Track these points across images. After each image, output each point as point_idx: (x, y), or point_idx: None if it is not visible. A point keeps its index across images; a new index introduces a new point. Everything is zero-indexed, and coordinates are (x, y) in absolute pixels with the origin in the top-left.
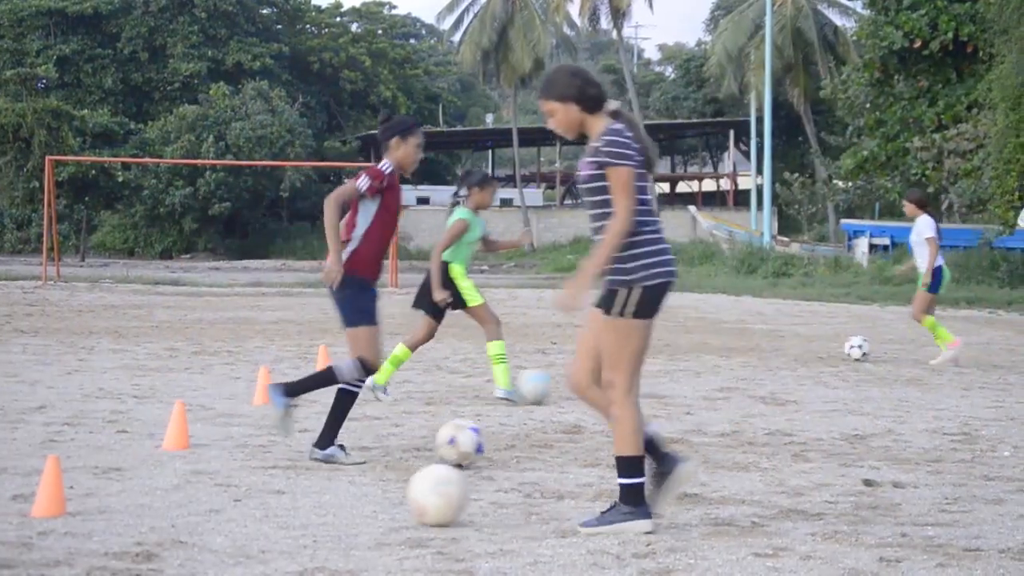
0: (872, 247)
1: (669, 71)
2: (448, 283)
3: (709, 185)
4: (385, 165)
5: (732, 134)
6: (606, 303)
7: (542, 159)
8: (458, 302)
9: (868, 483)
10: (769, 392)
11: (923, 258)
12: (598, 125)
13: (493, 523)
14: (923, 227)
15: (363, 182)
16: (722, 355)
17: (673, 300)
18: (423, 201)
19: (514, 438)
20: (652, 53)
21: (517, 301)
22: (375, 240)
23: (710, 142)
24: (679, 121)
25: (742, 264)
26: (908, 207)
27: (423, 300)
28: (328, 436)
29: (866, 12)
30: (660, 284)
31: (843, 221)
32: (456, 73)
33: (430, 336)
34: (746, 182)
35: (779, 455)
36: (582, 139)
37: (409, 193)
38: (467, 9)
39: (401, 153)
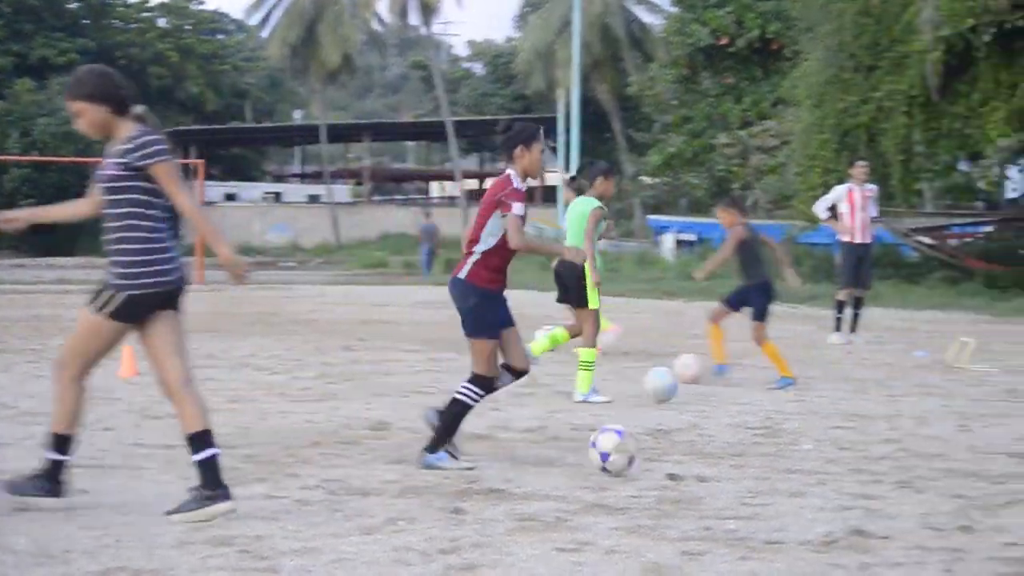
0: (678, 243)
1: (478, 68)
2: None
3: None
4: (516, 182)
5: (540, 131)
6: (93, 296)
7: (350, 155)
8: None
9: (672, 477)
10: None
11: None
12: (125, 127)
13: (297, 520)
14: None
15: (519, 208)
16: None
17: None
18: (230, 198)
19: (320, 435)
20: (461, 49)
21: (325, 298)
22: (503, 254)
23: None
24: (487, 118)
25: (549, 260)
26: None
27: (570, 294)
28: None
29: (673, 9)
30: (148, 294)
31: (649, 217)
32: (265, 69)
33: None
34: (554, 178)
35: (584, 450)
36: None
37: (216, 190)
38: (276, 5)
39: (527, 161)
